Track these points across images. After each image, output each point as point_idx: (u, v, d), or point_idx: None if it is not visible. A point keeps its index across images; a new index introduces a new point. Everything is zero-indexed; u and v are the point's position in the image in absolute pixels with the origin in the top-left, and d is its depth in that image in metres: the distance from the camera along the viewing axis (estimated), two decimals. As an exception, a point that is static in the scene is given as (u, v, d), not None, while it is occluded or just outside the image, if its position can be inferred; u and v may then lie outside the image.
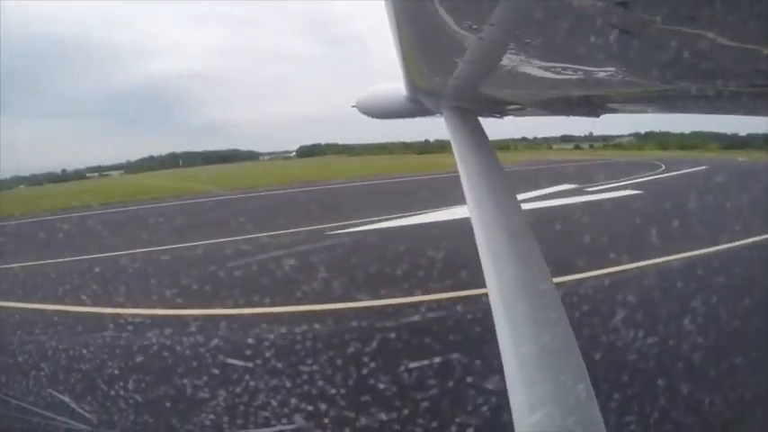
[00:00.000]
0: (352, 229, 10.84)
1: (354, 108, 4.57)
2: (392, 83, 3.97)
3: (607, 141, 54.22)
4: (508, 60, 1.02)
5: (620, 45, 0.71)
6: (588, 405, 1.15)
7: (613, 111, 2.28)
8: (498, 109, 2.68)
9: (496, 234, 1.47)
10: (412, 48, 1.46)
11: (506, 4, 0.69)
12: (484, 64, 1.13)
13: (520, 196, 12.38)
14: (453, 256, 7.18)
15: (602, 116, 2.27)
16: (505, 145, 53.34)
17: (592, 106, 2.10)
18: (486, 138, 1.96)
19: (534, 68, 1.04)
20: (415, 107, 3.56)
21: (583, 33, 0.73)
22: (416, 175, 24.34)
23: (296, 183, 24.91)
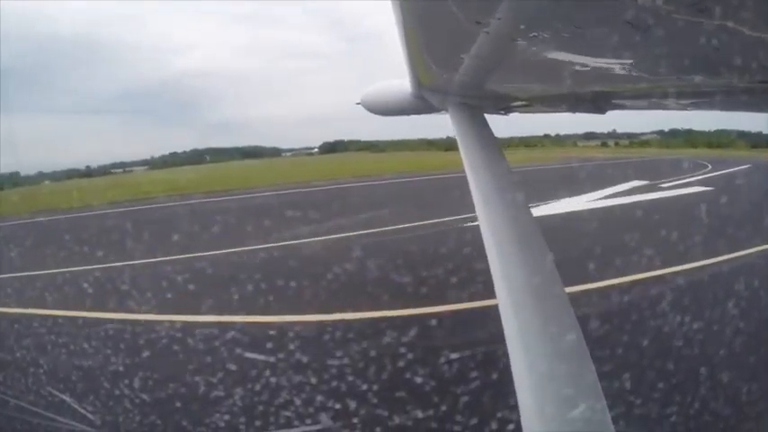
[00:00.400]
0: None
1: (359, 105, 4.57)
2: (396, 79, 3.97)
3: (631, 139, 52.67)
4: (514, 55, 1.02)
5: (628, 39, 0.71)
6: (598, 406, 1.15)
7: (619, 107, 2.28)
8: (504, 105, 2.68)
9: (503, 230, 1.47)
10: (418, 44, 1.46)
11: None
12: (490, 59, 1.13)
13: (601, 192, 12.46)
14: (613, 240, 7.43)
15: (607, 112, 2.27)
16: (531, 142, 52.02)
17: (597, 102, 2.10)
18: (493, 134, 1.96)
19: (541, 63, 1.04)
20: (420, 104, 3.56)
21: (590, 27, 0.73)
22: (460, 172, 24.08)
23: (350, 177, 24.06)
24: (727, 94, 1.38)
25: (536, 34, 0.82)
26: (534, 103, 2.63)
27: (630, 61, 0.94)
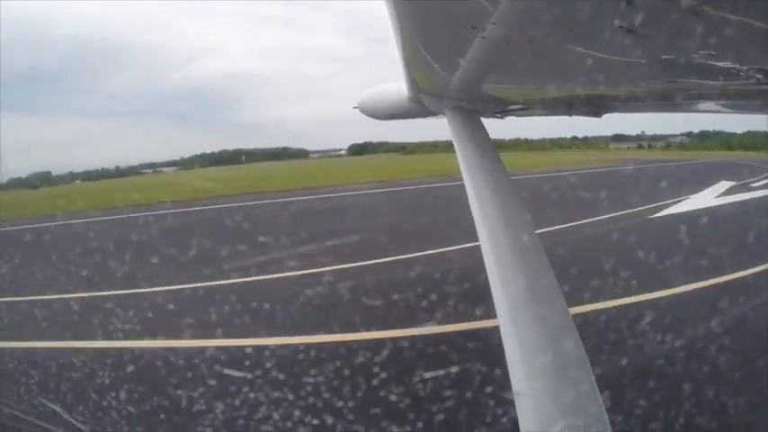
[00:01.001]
0: (663, 213, 10.32)
1: (356, 109, 4.58)
2: (393, 83, 3.98)
3: (660, 141, 50.25)
4: (510, 59, 1.02)
5: (623, 43, 0.71)
6: (594, 403, 1.15)
7: (615, 110, 2.29)
8: (500, 109, 2.69)
9: (499, 231, 1.47)
10: (414, 48, 1.46)
11: (509, 3, 0.69)
12: (486, 63, 1.13)
13: (711, 190, 12.37)
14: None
15: (603, 116, 2.28)
16: (564, 144, 50.46)
17: (593, 106, 2.10)
18: (489, 137, 1.96)
19: (536, 68, 1.04)
20: (417, 108, 3.57)
21: (585, 32, 0.73)
22: (529, 172, 21.55)
23: (412, 179, 22.44)
24: (724, 96, 1.39)
25: (531, 39, 0.82)
26: (530, 107, 2.64)
27: (625, 65, 0.95)
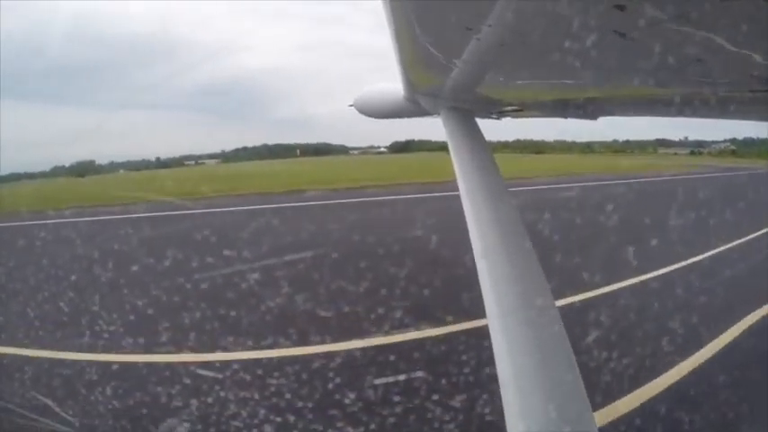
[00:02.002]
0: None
1: (352, 107, 4.57)
2: (389, 83, 3.97)
3: (705, 147, 47.13)
4: (505, 61, 1.01)
5: (617, 47, 0.71)
6: (581, 405, 1.15)
7: (611, 113, 2.29)
8: (496, 110, 2.69)
9: (491, 233, 1.47)
10: (410, 48, 1.46)
11: (504, 5, 0.68)
12: (481, 65, 1.12)
13: None
14: None
15: (599, 118, 2.28)
16: (619, 148, 47.82)
17: (589, 108, 2.10)
18: (483, 138, 1.96)
19: (531, 70, 1.04)
20: (413, 107, 3.56)
21: (580, 35, 0.72)
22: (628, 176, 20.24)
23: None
24: (719, 102, 1.39)
25: (527, 41, 0.81)
26: (526, 108, 2.64)
27: (620, 68, 0.94)
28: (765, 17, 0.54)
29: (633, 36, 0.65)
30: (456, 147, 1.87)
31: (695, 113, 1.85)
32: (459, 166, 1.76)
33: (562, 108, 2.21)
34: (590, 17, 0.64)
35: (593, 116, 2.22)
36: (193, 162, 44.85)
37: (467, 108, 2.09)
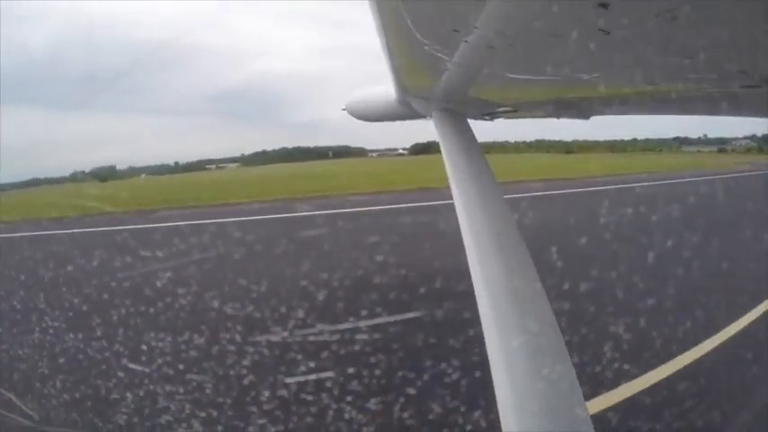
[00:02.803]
0: None
1: (344, 110, 4.56)
2: (381, 85, 3.97)
3: (726, 145, 44.41)
4: (495, 62, 1.01)
5: (604, 46, 0.70)
6: (576, 403, 1.15)
7: (603, 113, 2.29)
8: (488, 111, 2.69)
9: (483, 235, 1.46)
10: (400, 51, 1.45)
11: (491, 7, 0.68)
12: (471, 66, 1.12)
13: None
14: None
15: (591, 118, 2.28)
16: (653, 146, 45.30)
17: (581, 108, 2.10)
18: (476, 139, 1.95)
19: (522, 70, 1.03)
20: (405, 110, 3.56)
21: (567, 35, 0.72)
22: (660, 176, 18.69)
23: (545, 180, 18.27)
24: (709, 98, 1.39)
25: (514, 43, 0.80)
26: (518, 109, 2.64)
27: (610, 67, 0.94)
28: (752, 13, 0.54)
29: (618, 34, 0.65)
30: (448, 148, 1.87)
31: (686, 110, 1.86)
32: (452, 168, 1.76)
33: (555, 108, 2.21)
34: (575, 17, 0.64)
35: (586, 116, 2.22)
36: (214, 166, 44.37)
37: (458, 110, 2.08)
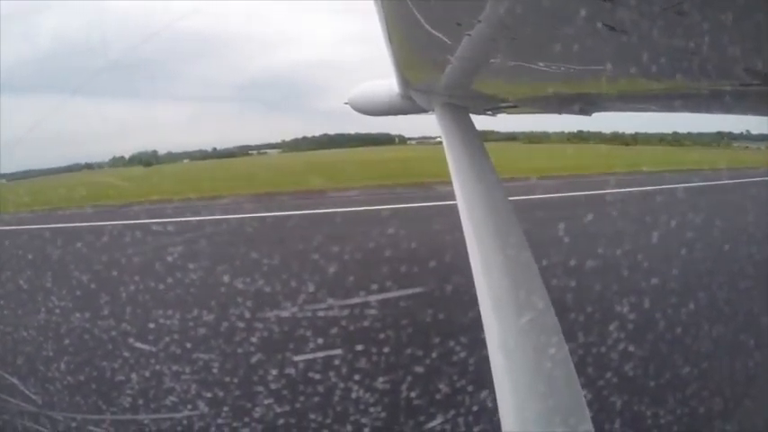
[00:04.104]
0: None
1: (347, 104, 4.55)
2: (384, 80, 3.96)
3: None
4: (497, 57, 1.01)
5: (608, 41, 0.70)
6: (576, 403, 1.15)
7: (605, 109, 2.29)
8: (490, 106, 2.68)
9: (485, 229, 1.47)
10: (403, 45, 1.45)
11: (494, 1, 0.68)
12: (473, 61, 1.12)
13: None
14: None
15: (593, 114, 2.28)
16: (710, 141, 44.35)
17: (583, 104, 2.10)
18: (478, 134, 1.96)
19: (523, 65, 1.03)
20: (408, 104, 3.56)
21: (570, 30, 0.72)
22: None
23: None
24: (714, 96, 1.39)
25: (518, 37, 0.81)
26: (520, 105, 2.64)
27: (612, 63, 0.94)
28: (756, 10, 0.54)
29: (622, 29, 0.65)
30: (450, 142, 1.87)
31: (688, 107, 1.85)
32: (454, 162, 1.76)
33: (557, 104, 2.21)
34: (579, 11, 0.64)
35: (588, 112, 2.22)
36: (255, 152, 43.92)
37: (461, 104, 2.09)
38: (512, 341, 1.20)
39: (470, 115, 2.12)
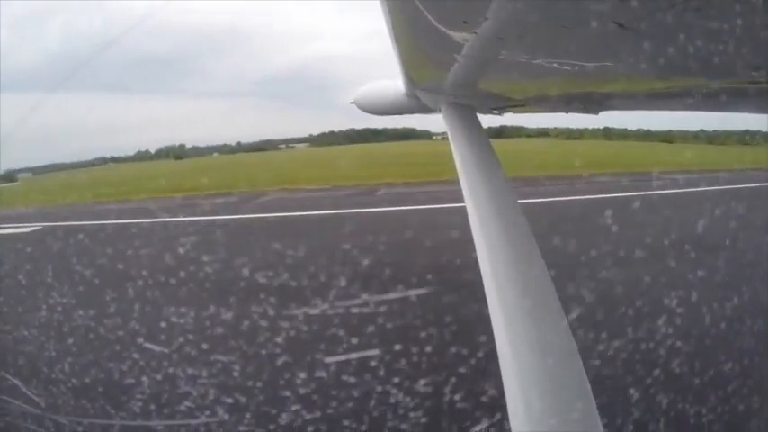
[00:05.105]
0: None
1: (353, 104, 4.56)
2: (390, 79, 3.97)
3: None
4: (504, 55, 1.01)
5: (617, 39, 0.70)
6: (586, 405, 1.15)
7: (612, 108, 2.28)
8: (497, 105, 2.68)
9: (493, 230, 1.46)
10: (409, 44, 1.45)
11: None
12: (480, 59, 1.12)
13: None
14: None
15: (600, 113, 2.27)
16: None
17: (590, 103, 2.09)
18: (485, 134, 1.95)
19: (531, 64, 1.03)
20: (414, 103, 3.56)
21: (578, 28, 0.72)
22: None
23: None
24: (724, 94, 1.38)
25: (525, 35, 0.81)
26: (527, 104, 2.63)
27: (622, 61, 0.93)
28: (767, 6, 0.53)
29: (632, 28, 0.64)
30: (457, 142, 1.87)
31: (698, 106, 1.84)
32: (461, 162, 1.76)
33: (564, 102, 2.20)
34: (589, 8, 0.64)
35: (595, 111, 2.21)
36: (284, 146, 44.09)
37: (468, 103, 2.08)
38: (521, 342, 1.20)
39: (477, 115, 2.11)
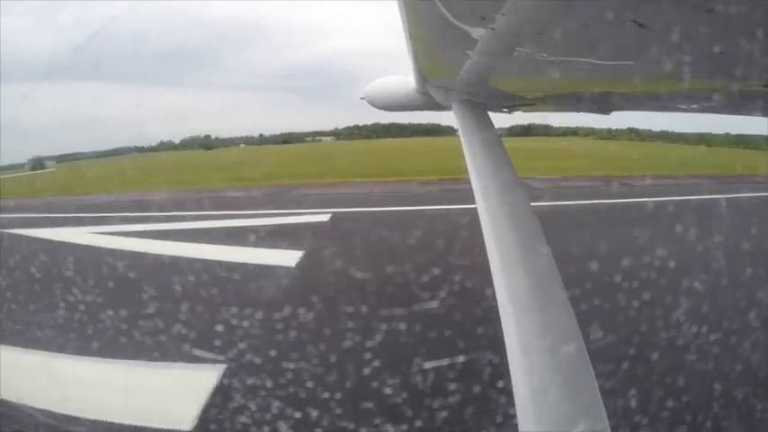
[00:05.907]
0: None
1: (363, 99, 4.56)
2: (400, 75, 3.96)
3: None
4: (519, 52, 1.01)
5: (634, 38, 0.70)
6: (594, 403, 1.15)
7: (623, 108, 2.27)
8: (508, 103, 2.67)
9: (504, 228, 1.46)
10: (422, 40, 1.45)
11: None
12: (495, 55, 1.12)
13: None
14: None
15: (611, 113, 2.26)
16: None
17: (602, 103, 2.09)
18: (496, 131, 1.95)
19: (545, 61, 1.03)
20: (425, 100, 3.55)
21: (595, 26, 0.72)
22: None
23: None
24: (736, 96, 1.37)
25: (541, 31, 0.81)
26: (538, 102, 2.62)
27: (635, 61, 0.93)
28: None
29: (651, 27, 0.64)
30: (468, 139, 1.87)
31: (714, 109, 1.83)
32: (472, 159, 1.76)
33: (575, 102, 2.19)
34: (608, 6, 0.64)
35: (606, 111, 2.20)
36: (310, 139, 44.42)
37: (479, 101, 2.08)
38: (531, 342, 1.20)
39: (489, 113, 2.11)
